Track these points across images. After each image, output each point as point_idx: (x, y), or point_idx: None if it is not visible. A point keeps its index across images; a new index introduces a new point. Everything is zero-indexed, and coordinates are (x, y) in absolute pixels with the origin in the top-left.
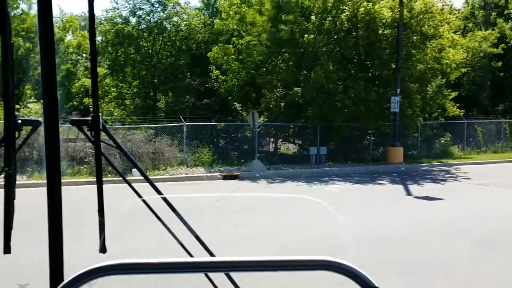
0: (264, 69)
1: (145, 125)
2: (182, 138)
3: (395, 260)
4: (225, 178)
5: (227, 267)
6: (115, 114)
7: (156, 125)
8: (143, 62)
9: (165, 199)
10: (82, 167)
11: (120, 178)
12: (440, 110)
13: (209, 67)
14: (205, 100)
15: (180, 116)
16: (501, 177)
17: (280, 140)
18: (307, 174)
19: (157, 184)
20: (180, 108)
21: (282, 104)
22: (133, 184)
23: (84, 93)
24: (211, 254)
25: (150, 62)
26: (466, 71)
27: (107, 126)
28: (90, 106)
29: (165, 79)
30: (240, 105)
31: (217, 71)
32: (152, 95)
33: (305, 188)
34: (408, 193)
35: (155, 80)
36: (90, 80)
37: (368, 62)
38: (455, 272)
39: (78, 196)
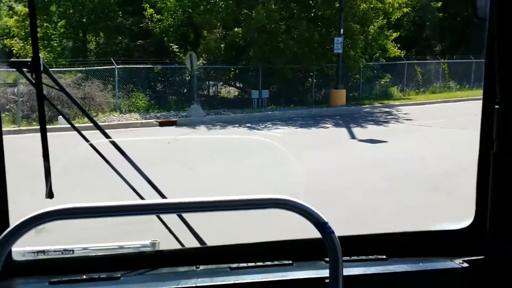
0: (202, 7)
1: (73, 68)
2: (114, 82)
3: (345, 205)
4: (161, 124)
5: (179, 208)
6: (41, 56)
7: (85, 68)
8: None
9: (113, 143)
10: (3, 115)
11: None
12: (380, 51)
13: (143, 5)
14: (139, 41)
15: (111, 59)
16: (441, 118)
17: (221, 83)
18: (249, 119)
19: (85, 132)
20: (112, 50)
21: (222, 45)
22: (60, 133)
23: (7, 34)
24: (163, 197)
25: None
26: (407, 11)
27: None
28: (13, 48)
29: (94, 19)
30: (177, 46)
31: (151, 10)
32: (81, 36)
33: (247, 134)
34: (352, 136)
35: (84, 20)
36: (13, 20)
37: (311, 1)
38: (405, 217)
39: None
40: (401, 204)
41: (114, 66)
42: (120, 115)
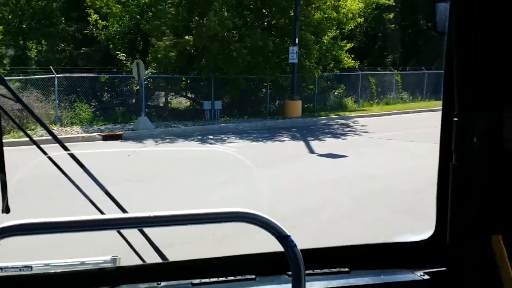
0: (151, 13)
1: (12, 78)
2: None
3: (311, 223)
4: (105, 138)
5: (141, 223)
6: None
7: (23, 77)
8: (8, 4)
9: (72, 155)
10: None
11: None
12: (334, 62)
13: (87, 10)
14: (83, 49)
15: (51, 67)
16: (399, 130)
17: (171, 94)
18: (201, 131)
19: (21, 148)
20: (55, 58)
21: (172, 54)
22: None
23: None
24: (124, 211)
25: (17, 4)
26: (361, 21)
27: None
28: None
29: (35, 25)
30: (124, 54)
31: (96, 16)
32: (21, 43)
33: (200, 148)
34: (311, 150)
35: (24, 26)
36: None
37: (265, 10)
38: (371, 232)
39: None
40: (366, 220)
41: (53, 75)
42: (60, 128)
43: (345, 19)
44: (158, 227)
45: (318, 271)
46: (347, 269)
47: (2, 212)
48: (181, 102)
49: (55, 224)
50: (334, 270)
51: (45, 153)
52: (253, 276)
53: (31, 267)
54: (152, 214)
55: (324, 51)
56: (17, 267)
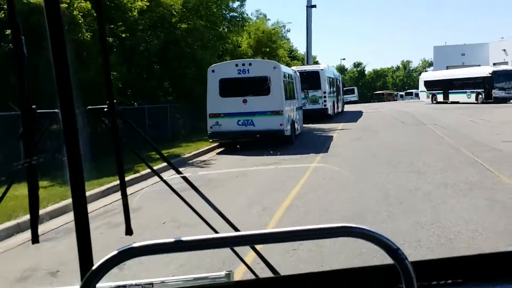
0: None
1: None
2: None
3: None
4: None
5: (253, 240)
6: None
7: None
8: None
9: (185, 178)
10: None
11: None
12: None
13: None
14: None
15: None
16: None
17: None
18: None
19: None
20: None
21: None
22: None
23: None
24: (236, 229)
25: None
26: None
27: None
28: None
29: None
30: None
31: None
32: None
33: None
34: None
35: None
36: None
37: None
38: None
39: None
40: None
41: None
42: None
43: None
44: (268, 243)
45: (430, 283)
46: (461, 281)
47: (126, 234)
48: None
49: (176, 243)
50: (448, 281)
51: (161, 177)
52: None
53: (152, 284)
54: (263, 231)
55: None
56: (139, 285)
